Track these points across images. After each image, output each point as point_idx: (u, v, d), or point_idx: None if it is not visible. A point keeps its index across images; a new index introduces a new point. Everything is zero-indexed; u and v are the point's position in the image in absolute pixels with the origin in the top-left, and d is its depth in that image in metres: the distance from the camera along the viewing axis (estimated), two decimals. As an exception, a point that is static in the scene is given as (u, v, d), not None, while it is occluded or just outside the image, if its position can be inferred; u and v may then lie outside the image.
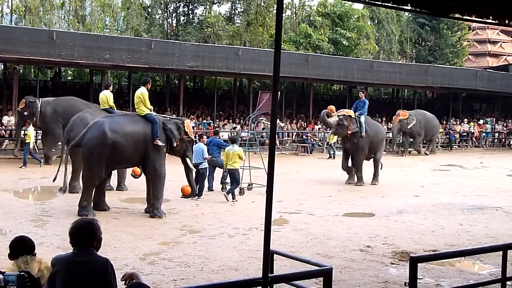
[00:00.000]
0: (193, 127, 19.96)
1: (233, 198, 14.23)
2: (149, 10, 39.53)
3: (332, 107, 18.59)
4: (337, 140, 24.31)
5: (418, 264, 5.47)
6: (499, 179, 20.48)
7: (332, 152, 26.27)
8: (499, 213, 13.85)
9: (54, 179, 12.88)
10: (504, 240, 9.64)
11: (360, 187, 17.49)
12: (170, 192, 13.28)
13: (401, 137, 29.15)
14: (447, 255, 7.45)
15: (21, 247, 3.86)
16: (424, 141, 30.36)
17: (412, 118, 27.99)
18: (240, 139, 16.80)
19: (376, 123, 20.35)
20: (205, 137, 16.00)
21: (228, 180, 15.08)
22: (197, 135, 18.41)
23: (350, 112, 18.27)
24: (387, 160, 23.45)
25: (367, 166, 18.45)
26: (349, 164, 18.28)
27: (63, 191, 12.85)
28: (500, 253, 6.09)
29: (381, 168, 18.47)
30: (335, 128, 18.04)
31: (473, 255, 8.76)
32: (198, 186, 14.46)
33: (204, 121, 28.29)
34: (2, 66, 31.86)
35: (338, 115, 17.98)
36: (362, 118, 18.10)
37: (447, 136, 35.10)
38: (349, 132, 17.82)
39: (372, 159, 18.52)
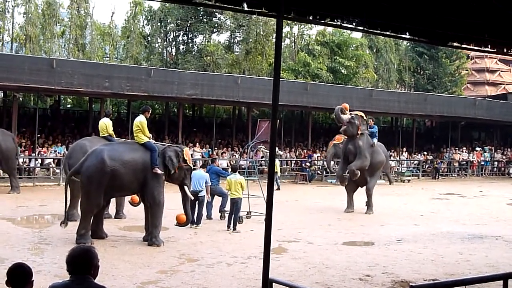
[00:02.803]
0: (191, 154, 19.92)
1: (234, 229, 14.10)
2: (149, 39, 39.92)
3: (346, 105, 18.63)
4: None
5: (418, 293, 5.43)
6: (499, 208, 20.43)
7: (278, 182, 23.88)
8: (499, 242, 13.79)
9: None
10: (505, 269, 9.58)
11: (358, 216, 17.40)
12: (169, 220, 13.21)
13: (336, 164, 23.71)
14: (447, 285, 7.36)
15: (19, 274, 3.82)
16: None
17: None
18: (238, 167, 16.80)
19: (379, 147, 19.87)
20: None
21: (227, 208, 15.01)
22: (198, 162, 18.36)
23: (362, 114, 18.52)
24: (386, 189, 23.45)
25: (360, 195, 18.45)
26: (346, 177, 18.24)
27: (64, 224, 12.10)
28: (501, 282, 6.05)
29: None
30: (346, 125, 17.91)
31: (473, 284, 8.67)
32: (197, 214, 14.40)
33: (204, 149, 28.28)
34: (2, 93, 31.97)
35: (350, 114, 18.11)
36: (375, 140, 18.48)
37: (434, 164, 34.62)
38: (359, 132, 17.88)
39: (365, 187, 18.32)
